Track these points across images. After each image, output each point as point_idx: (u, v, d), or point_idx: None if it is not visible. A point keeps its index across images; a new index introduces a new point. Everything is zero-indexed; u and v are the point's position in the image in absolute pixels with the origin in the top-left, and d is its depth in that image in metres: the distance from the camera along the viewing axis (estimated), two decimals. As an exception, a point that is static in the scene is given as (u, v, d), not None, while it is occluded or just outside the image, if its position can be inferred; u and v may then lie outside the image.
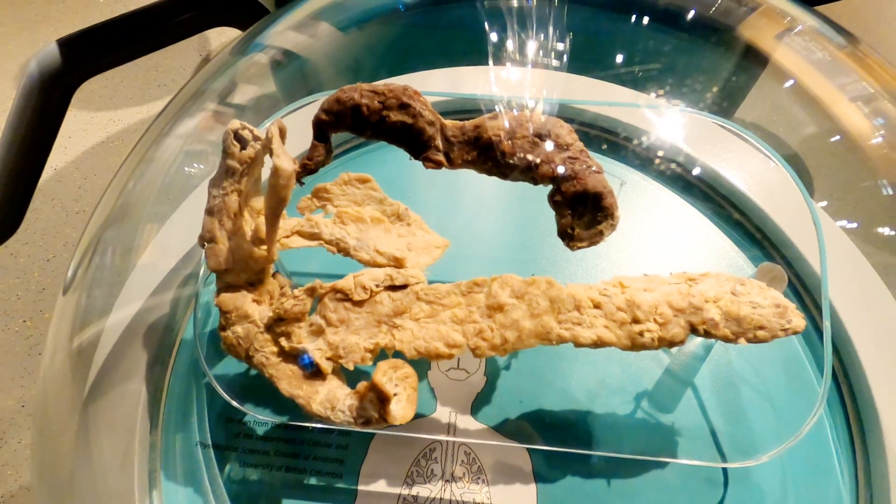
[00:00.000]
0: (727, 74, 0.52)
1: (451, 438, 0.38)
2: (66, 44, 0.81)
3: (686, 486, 0.38)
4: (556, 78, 0.50)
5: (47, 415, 0.41)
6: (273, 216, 0.31)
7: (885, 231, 0.40)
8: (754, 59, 0.50)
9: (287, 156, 0.30)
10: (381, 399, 0.28)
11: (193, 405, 0.41)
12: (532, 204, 0.49)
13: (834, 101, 0.44)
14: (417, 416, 0.40)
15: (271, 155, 0.32)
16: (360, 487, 0.38)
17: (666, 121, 0.49)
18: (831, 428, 0.39)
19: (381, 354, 0.33)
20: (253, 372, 0.43)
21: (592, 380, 0.42)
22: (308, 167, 0.38)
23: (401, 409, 0.29)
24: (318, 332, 0.32)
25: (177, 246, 0.46)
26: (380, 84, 0.36)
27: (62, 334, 0.42)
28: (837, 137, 0.43)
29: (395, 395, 0.30)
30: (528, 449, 0.39)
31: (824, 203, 0.43)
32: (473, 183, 0.37)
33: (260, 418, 0.38)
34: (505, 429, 0.39)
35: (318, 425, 0.37)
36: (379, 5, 0.57)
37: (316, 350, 0.31)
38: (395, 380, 0.30)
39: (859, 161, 0.41)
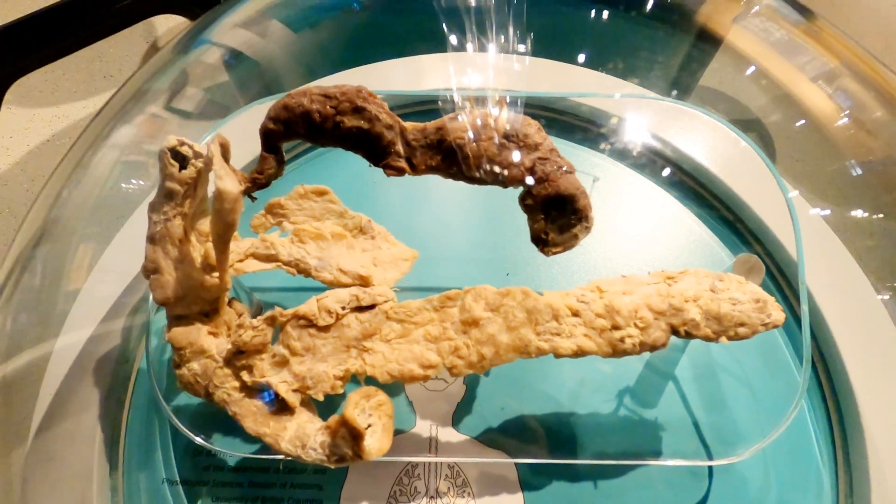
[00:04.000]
0: (686, 59, 0.50)
1: (433, 459, 0.37)
2: None
3: (671, 481, 0.37)
4: (520, 63, 0.48)
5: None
6: (221, 242, 0.28)
7: (858, 214, 0.40)
8: (712, 43, 0.48)
9: (231, 176, 0.27)
10: (354, 436, 0.26)
11: (157, 440, 0.38)
12: (504, 202, 0.48)
13: (795, 82, 0.43)
14: (397, 431, 0.38)
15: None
16: (342, 512, 0.36)
17: (638, 108, 0.48)
18: (810, 412, 0.40)
19: (352, 381, 0.31)
20: (219, 399, 0.40)
21: (573, 379, 0.41)
22: (258, 181, 0.35)
23: (376, 443, 0.27)
24: (282, 364, 0.30)
25: (125, 268, 0.43)
26: (331, 87, 0.33)
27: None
28: (802, 122, 0.42)
29: (369, 426, 0.28)
30: (514, 462, 0.38)
31: (796, 193, 0.42)
32: (440, 182, 0.35)
33: (228, 454, 0.36)
34: (488, 438, 0.38)
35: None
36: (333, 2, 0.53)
37: (281, 383, 0.29)
38: (368, 410, 0.28)
39: (827, 143, 0.41)
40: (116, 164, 0.44)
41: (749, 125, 0.49)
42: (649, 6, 0.47)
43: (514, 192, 0.33)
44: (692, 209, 0.47)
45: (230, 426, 0.38)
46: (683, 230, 0.46)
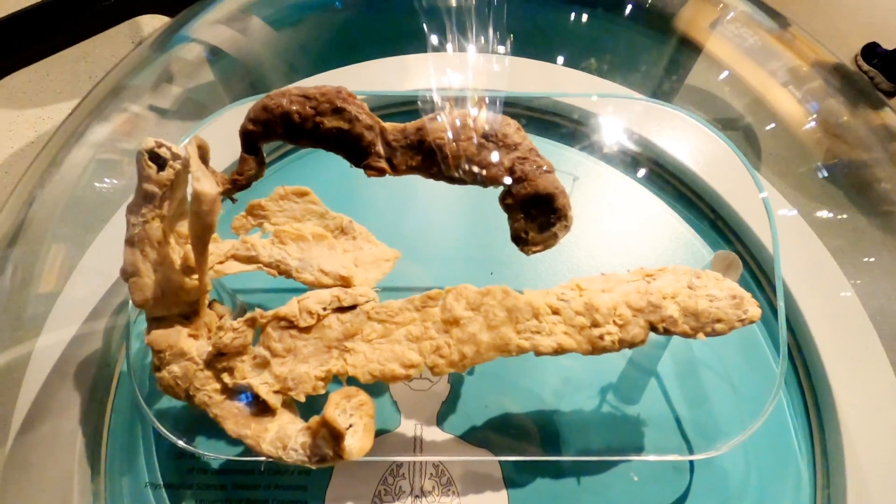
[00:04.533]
0: (666, 63, 0.51)
1: (417, 458, 0.37)
2: None
3: (654, 475, 0.38)
4: (500, 63, 0.48)
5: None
6: (200, 244, 0.28)
7: (824, 214, 0.41)
8: (693, 47, 0.49)
9: (209, 178, 0.27)
10: (335, 436, 0.26)
11: (139, 443, 0.38)
12: (488, 202, 0.48)
13: (768, 87, 0.44)
14: (382, 431, 0.38)
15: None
16: (326, 513, 0.36)
17: (619, 108, 0.48)
18: (789, 405, 0.40)
19: (334, 381, 0.31)
20: (202, 401, 0.40)
21: (557, 377, 0.41)
22: (238, 182, 0.35)
23: (357, 442, 0.27)
24: (263, 365, 0.30)
25: (106, 270, 0.42)
26: (311, 88, 0.33)
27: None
28: (772, 125, 0.43)
29: (350, 426, 0.28)
30: (497, 457, 0.38)
31: (766, 194, 0.43)
32: (423, 183, 0.35)
33: (211, 456, 0.36)
34: (472, 437, 0.38)
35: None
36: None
37: (262, 384, 0.29)
38: (349, 410, 0.29)
39: (798, 145, 0.42)
40: (91, 163, 0.43)
41: (731, 124, 0.50)
42: (628, 9, 0.47)
43: (498, 192, 0.33)
44: (673, 206, 0.48)
45: (213, 429, 0.37)
46: (664, 227, 0.47)
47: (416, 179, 0.33)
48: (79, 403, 0.38)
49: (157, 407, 0.38)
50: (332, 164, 0.48)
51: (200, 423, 0.38)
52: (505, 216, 0.33)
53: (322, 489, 0.37)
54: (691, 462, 0.38)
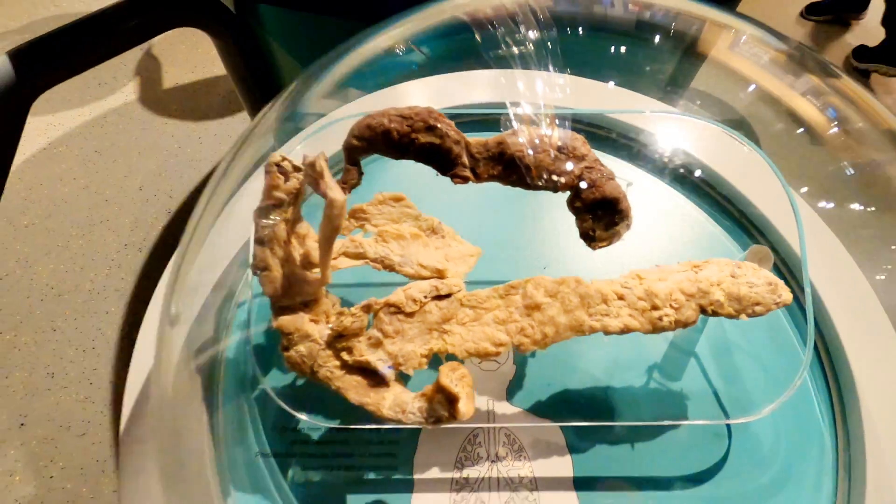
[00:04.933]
0: (676, 69, 0.57)
1: (492, 425, 0.42)
2: (17, 56, 0.78)
3: (697, 441, 0.43)
4: (561, 90, 0.54)
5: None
6: (327, 243, 0.34)
7: (845, 210, 0.46)
8: (712, 64, 0.55)
9: (337, 187, 0.33)
10: (450, 399, 0.32)
11: (247, 420, 0.44)
12: (533, 206, 0.54)
13: (790, 97, 0.50)
14: (457, 406, 0.44)
15: (313, 186, 0.34)
16: (416, 476, 0.42)
17: (663, 123, 0.54)
18: (812, 383, 0.46)
19: (434, 359, 0.37)
20: (299, 382, 0.46)
21: (607, 359, 0.47)
22: (343, 190, 0.41)
23: (464, 407, 0.33)
24: (376, 345, 0.35)
25: (210, 272, 0.48)
26: (405, 108, 0.39)
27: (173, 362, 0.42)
28: (795, 129, 0.49)
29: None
30: (560, 426, 0.43)
31: (803, 189, 0.49)
32: (463, 190, 0.40)
33: (319, 424, 0.41)
34: (538, 409, 0.44)
35: (369, 426, 0.40)
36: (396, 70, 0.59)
37: (378, 361, 0.35)
38: (454, 380, 0.34)
39: (821, 148, 0.47)
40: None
41: (739, 124, 0.56)
42: (654, 37, 0.54)
43: (539, 198, 0.39)
44: (702, 207, 0.54)
45: (311, 405, 0.43)
46: (696, 226, 0.53)
47: (459, 188, 0.38)
48: (200, 388, 0.43)
49: (263, 389, 0.44)
50: (387, 173, 0.54)
51: (300, 399, 0.43)
52: (550, 219, 0.39)
53: (410, 456, 0.42)
54: (728, 430, 0.44)
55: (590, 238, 0.38)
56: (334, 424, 0.41)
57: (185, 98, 2.07)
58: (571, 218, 0.39)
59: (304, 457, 0.43)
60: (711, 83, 0.58)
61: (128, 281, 1.56)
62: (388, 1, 0.65)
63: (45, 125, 2.03)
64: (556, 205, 0.40)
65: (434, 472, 0.42)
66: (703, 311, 0.37)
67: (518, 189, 0.39)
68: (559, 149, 0.38)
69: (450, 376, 0.34)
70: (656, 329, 0.37)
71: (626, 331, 0.36)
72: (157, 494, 0.38)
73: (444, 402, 0.32)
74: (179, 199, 1.78)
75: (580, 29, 0.50)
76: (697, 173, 0.54)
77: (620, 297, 0.37)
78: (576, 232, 0.39)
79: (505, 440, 0.43)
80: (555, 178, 0.36)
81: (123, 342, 1.42)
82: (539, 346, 0.36)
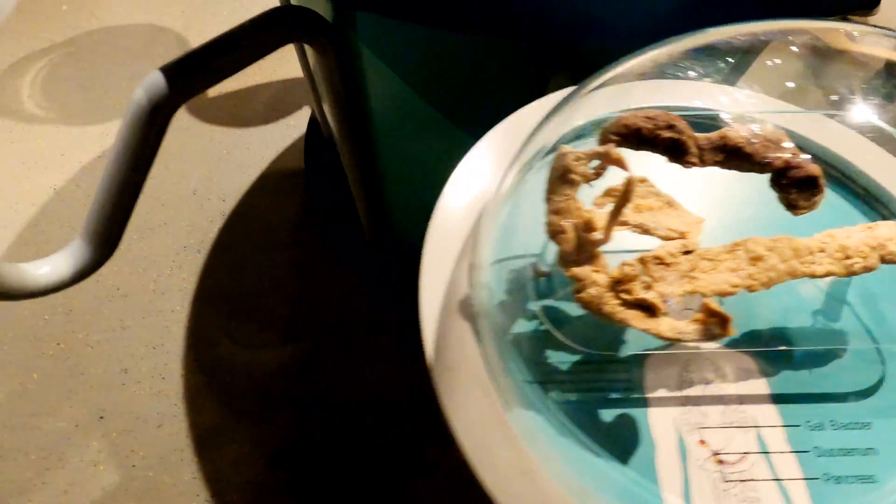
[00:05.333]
0: None
1: (709, 350, 0.55)
2: (168, 71, 0.91)
3: (856, 366, 0.56)
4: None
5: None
6: (617, 213, 0.46)
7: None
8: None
9: (631, 172, 0.45)
10: (723, 320, 0.44)
11: (509, 355, 0.56)
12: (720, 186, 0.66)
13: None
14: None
15: (604, 167, 0.47)
16: (648, 395, 0.54)
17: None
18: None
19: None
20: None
21: (781, 307, 0.59)
22: (599, 174, 0.53)
23: (731, 326, 0.45)
24: (647, 287, 0.48)
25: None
26: (650, 111, 0.51)
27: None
28: None
29: (718, 318, 0.46)
30: (752, 355, 0.56)
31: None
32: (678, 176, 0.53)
33: (584, 350, 0.54)
34: (732, 345, 0.56)
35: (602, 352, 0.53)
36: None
37: (654, 297, 0.47)
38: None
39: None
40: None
41: None
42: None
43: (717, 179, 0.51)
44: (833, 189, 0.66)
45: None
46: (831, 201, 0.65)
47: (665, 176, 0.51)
48: (470, 330, 0.56)
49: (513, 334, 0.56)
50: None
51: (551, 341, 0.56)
52: (737, 200, 0.51)
53: (640, 380, 0.55)
54: (880, 354, 0.56)
55: (793, 207, 0.51)
56: (591, 351, 0.53)
57: (230, 106, 2.17)
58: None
59: (556, 383, 0.55)
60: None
61: (189, 281, 1.62)
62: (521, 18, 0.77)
63: (98, 134, 2.14)
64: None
65: (662, 392, 0.54)
66: (882, 259, 0.50)
67: (699, 177, 0.52)
68: (769, 140, 0.50)
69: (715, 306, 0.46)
70: (849, 273, 0.49)
71: (829, 275, 0.49)
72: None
73: (717, 323, 0.45)
74: (232, 202, 1.87)
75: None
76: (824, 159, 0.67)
77: (821, 250, 0.49)
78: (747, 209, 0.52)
79: (711, 366, 0.56)
80: (770, 156, 0.49)
81: (190, 339, 1.50)
82: (765, 287, 0.49)
